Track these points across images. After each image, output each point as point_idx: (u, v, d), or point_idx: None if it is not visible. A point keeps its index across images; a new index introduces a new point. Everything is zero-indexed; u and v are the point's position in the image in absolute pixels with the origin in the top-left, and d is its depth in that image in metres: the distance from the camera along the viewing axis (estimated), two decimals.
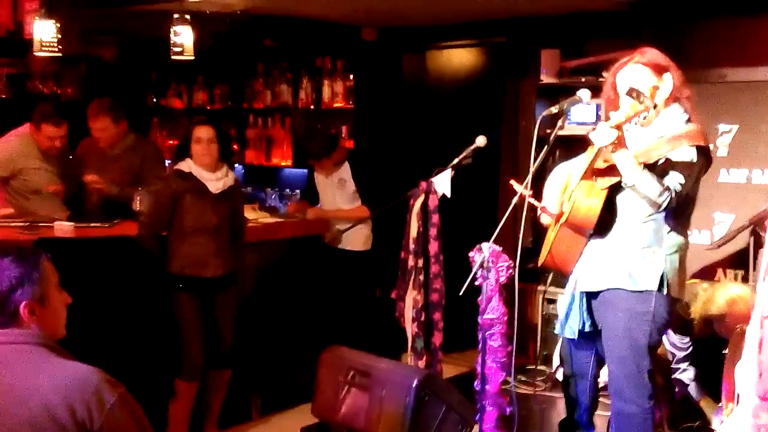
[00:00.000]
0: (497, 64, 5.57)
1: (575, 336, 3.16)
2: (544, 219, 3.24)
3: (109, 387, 1.80)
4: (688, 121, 2.98)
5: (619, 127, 2.78)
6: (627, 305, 2.99)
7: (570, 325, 3.17)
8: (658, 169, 2.89)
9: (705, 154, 2.95)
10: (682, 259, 3.04)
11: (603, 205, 2.93)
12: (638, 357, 3.01)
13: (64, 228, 3.96)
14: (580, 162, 3.13)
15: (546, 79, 5.01)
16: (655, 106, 2.88)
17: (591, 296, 3.12)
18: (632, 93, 2.81)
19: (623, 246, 3.00)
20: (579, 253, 3.10)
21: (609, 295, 3.03)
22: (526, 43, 5.17)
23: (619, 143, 2.79)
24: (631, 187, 2.86)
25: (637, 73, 2.98)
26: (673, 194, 2.86)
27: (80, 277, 3.71)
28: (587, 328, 3.14)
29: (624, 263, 2.99)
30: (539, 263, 3.13)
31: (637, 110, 2.81)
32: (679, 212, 2.96)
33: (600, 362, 3.27)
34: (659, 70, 2.96)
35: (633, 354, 3.01)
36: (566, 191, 3.14)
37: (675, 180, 2.87)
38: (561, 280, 3.43)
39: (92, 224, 4.16)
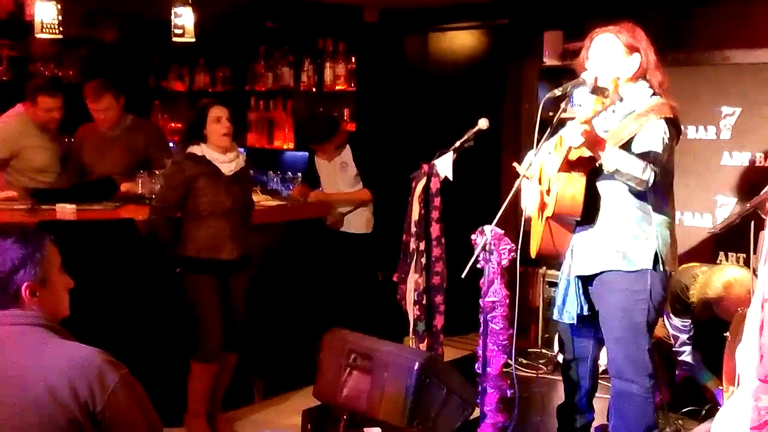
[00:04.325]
0: (499, 46, 5.54)
1: (574, 321, 3.19)
2: (530, 210, 3.25)
3: (112, 368, 1.81)
4: (653, 95, 3.03)
5: (588, 122, 2.77)
6: (623, 286, 3.02)
7: (568, 310, 3.19)
8: (633, 147, 2.94)
9: (674, 125, 3.00)
10: (672, 232, 3.09)
11: (585, 192, 2.96)
12: (637, 336, 3.05)
13: (66, 210, 3.96)
14: (551, 152, 3.12)
15: (549, 61, 4.99)
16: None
17: (586, 280, 3.14)
18: (596, 91, 2.84)
19: (613, 228, 3.04)
20: (568, 241, 3.14)
21: (605, 277, 3.06)
22: (529, 25, 5.15)
23: (590, 138, 2.79)
24: (615, 172, 2.86)
25: (610, 43, 3.05)
26: (657, 169, 2.90)
27: (83, 260, 3.73)
28: (585, 312, 3.17)
29: (617, 245, 3.03)
30: (532, 255, 3.14)
31: (604, 105, 2.82)
32: (660, 185, 2.99)
33: (599, 345, 3.29)
34: (631, 48, 3.04)
35: (632, 334, 3.04)
36: (542, 183, 3.15)
37: (652, 154, 2.91)
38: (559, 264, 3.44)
39: (94, 206, 4.16)
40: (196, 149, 3.74)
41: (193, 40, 4.66)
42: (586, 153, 2.91)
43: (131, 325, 3.85)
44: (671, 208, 3.11)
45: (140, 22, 6.40)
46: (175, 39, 4.62)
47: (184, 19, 4.55)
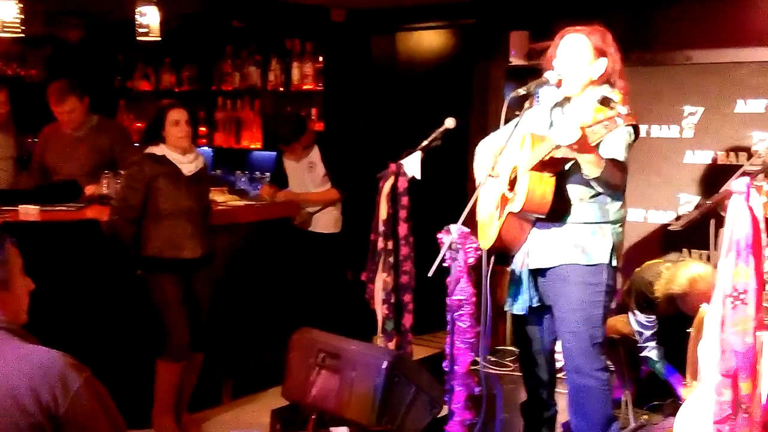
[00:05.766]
0: (467, 46, 5.57)
1: (524, 312, 3.25)
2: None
3: (75, 371, 1.78)
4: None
5: (583, 128, 2.77)
6: (580, 279, 3.09)
7: (519, 301, 3.25)
8: (600, 150, 2.95)
9: (636, 132, 3.08)
10: (623, 230, 3.20)
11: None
12: (592, 329, 3.11)
13: (29, 212, 3.91)
14: (516, 147, 3.14)
15: (515, 60, 5.03)
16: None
17: (538, 273, 3.20)
18: (604, 102, 2.85)
19: (572, 223, 3.09)
20: (527, 235, 3.18)
21: (562, 271, 3.12)
22: (495, 25, 5.18)
23: (584, 143, 2.79)
24: (595, 179, 2.90)
25: (578, 44, 3.06)
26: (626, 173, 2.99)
27: (46, 262, 3.69)
28: (535, 304, 3.24)
29: (575, 239, 3.09)
30: (485, 247, 3.16)
31: (606, 115, 2.82)
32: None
33: (552, 337, 3.35)
34: (599, 52, 3.06)
35: (587, 326, 3.11)
36: (499, 169, 3.18)
37: (619, 158, 2.97)
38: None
39: (58, 207, 4.11)
40: (156, 149, 3.74)
41: (159, 39, 4.63)
42: (560, 155, 2.94)
43: (96, 327, 3.82)
44: (624, 206, 3.19)
45: (105, 21, 6.33)
46: (139, 38, 4.58)
47: (148, 18, 4.52)
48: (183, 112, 3.75)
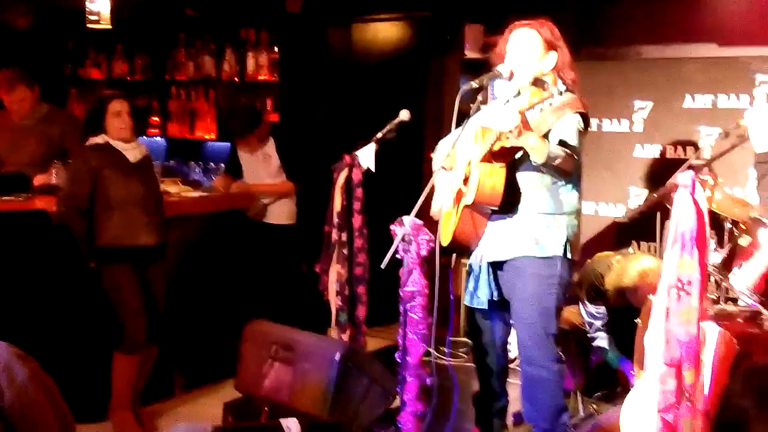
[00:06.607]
0: (422, 38, 5.59)
1: (485, 306, 3.26)
2: (445, 206, 3.30)
3: (20, 362, 1.76)
4: (566, 91, 3.07)
5: (522, 113, 2.81)
6: (534, 271, 3.11)
7: (479, 295, 3.26)
8: (550, 138, 2.97)
9: (585, 120, 3.11)
10: (579, 222, 3.22)
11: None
12: (546, 321, 3.14)
13: None
14: (470, 141, 3.16)
15: (470, 54, 5.07)
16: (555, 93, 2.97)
17: (497, 266, 3.22)
18: (537, 83, 2.89)
19: (526, 215, 3.12)
20: (483, 230, 3.20)
21: (517, 263, 3.15)
22: (451, 18, 5.21)
23: (524, 127, 2.81)
24: (542, 164, 2.91)
25: (529, 38, 3.10)
26: (577, 158, 3.02)
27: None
28: (496, 297, 3.25)
29: (529, 231, 3.11)
30: (444, 243, 3.18)
31: (541, 97, 2.87)
32: (574, 177, 3.12)
33: (507, 329, 3.38)
34: (549, 45, 3.10)
35: (541, 319, 3.14)
36: (459, 169, 3.20)
37: (569, 145, 2.99)
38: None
39: (5, 198, 4.03)
40: (98, 139, 3.69)
41: (110, 26, 4.55)
42: (508, 144, 2.96)
43: (48, 320, 3.75)
44: (579, 198, 3.22)
45: (54, 8, 6.20)
46: (89, 25, 4.50)
47: (99, 5, 4.44)
48: (124, 104, 3.71)
